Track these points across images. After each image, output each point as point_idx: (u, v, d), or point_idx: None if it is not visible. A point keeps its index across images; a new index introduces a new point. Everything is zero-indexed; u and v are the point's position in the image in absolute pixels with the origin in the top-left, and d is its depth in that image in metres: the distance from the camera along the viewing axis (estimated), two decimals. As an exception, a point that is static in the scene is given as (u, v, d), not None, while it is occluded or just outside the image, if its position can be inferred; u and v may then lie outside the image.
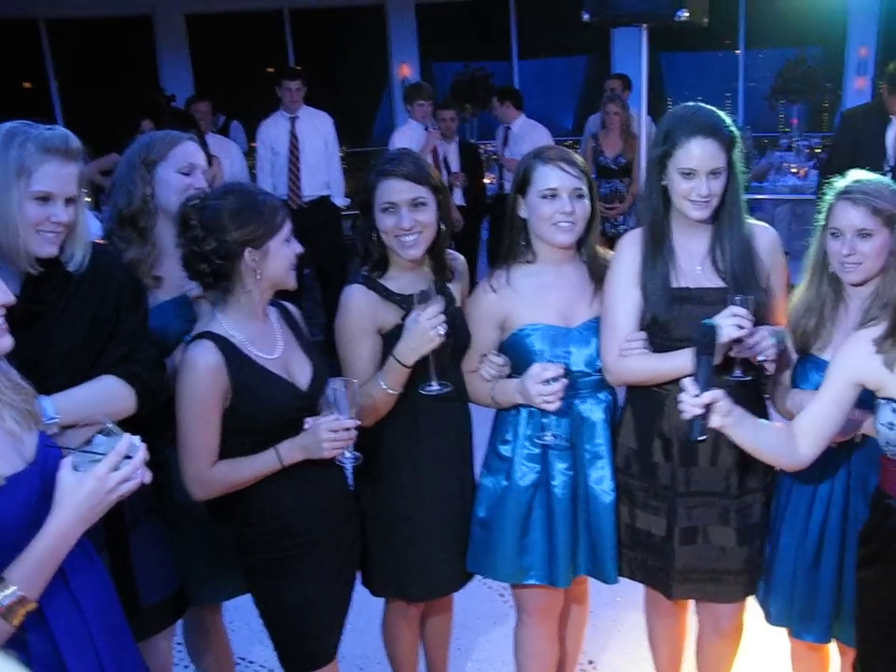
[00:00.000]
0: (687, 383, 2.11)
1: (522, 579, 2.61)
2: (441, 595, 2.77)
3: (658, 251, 2.45)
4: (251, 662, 3.36)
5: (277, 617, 2.37)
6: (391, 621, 2.80)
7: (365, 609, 2.61)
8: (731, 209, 2.41)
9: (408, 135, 6.77)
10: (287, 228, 2.22)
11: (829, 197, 2.38)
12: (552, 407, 2.41)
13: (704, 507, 2.49)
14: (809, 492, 2.44)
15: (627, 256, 2.49)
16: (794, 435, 2.22)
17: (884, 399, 2.09)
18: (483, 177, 7.44)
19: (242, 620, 3.00)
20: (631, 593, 3.42)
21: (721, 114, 2.40)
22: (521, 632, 2.77)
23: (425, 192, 2.42)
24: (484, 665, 3.37)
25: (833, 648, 2.67)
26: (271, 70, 9.69)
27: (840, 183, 2.38)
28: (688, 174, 2.34)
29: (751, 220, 2.50)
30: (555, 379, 2.39)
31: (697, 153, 2.32)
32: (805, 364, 2.45)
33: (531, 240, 2.56)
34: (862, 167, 2.58)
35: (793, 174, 7.77)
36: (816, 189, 6.27)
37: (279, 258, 2.21)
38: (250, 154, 7.45)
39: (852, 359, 2.14)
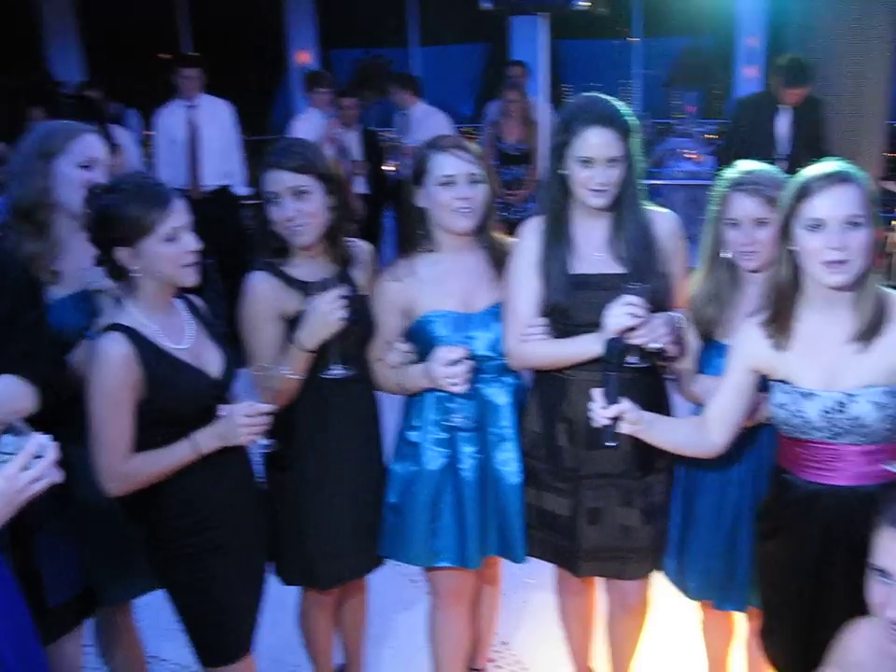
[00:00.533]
0: (596, 394, 2.18)
1: (434, 562, 2.65)
2: (351, 580, 2.79)
3: (558, 238, 2.50)
4: (163, 660, 3.31)
5: (192, 610, 2.35)
6: (306, 610, 2.80)
7: (279, 599, 2.60)
8: (629, 197, 2.47)
9: (307, 123, 6.72)
10: (164, 227, 2.16)
11: (721, 188, 2.47)
12: (458, 389, 2.46)
13: (608, 488, 2.55)
14: (723, 472, 2.52)
15: (528, 243, 2.54)
16: (705, 424, 2.29)
17: (775, 380, 2.18)
18: (385, 165, 7.42)
19: (152, 617, 2.95)
20: (541, 573, 3.48)
21: (620, 104, 2.46)
22: (434, 615, 2.81)
23: (308, 181, 2.45)
24: (399, 650, 3.40)
25: (738, 614, 2.77)
26: (165, 56, 9.47)
27: (731, 174, 2.46)
28: (586, 162, 2.39)
29: (652, 207, 2.56)
30: (459, 361, 2.44)
31: (595, 142, 2.37)
32: (709, 350, 2.53)
33: (431, 229, 2.60)
34: (755, 154, 2.68)
35: (690, 159, 7.97)
36: (713, 175, 6.48)
37: (158, 257, 2.17)
38: (146, 143, 7.28)
39: (745, 347, 2.22)
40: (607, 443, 2.23)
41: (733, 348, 2.27)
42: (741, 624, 2.83)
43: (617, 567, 2.63)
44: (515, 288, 2.53)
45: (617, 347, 2.21)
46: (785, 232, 2.10)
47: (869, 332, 2.05)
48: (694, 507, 2.60)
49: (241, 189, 6.49)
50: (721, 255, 2.48)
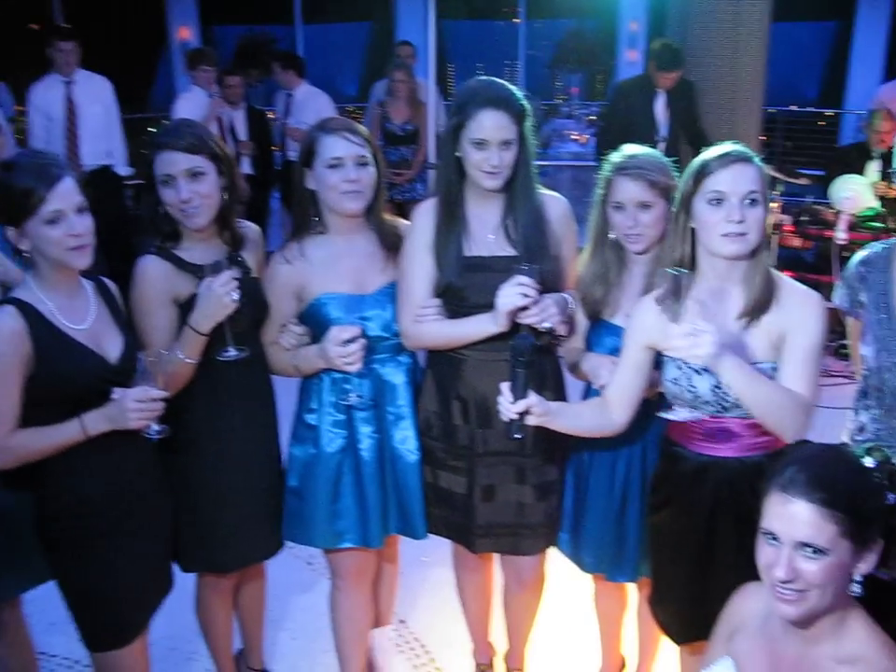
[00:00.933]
0: (504, 389, 2.20)
1: (336, 543, 2.66)
2: (251, 564, 2.77)
3: (452, 220, 2.52)
4: (53, 655, 3.22)
5: (79, 593, 2.31)
6: (204, 595, 2.77)
7: (176, 586, 2.56)
8: (523, 180, 2.51)
9: (191, 103, 6.55)
10: (46, 209, 2.10)
11: (606, 172, 2.53)
12: (353, 368, 2.47)
13: (501, 466, 2.60)
14: (612, 450, 2.59)
15: (422, 225, 2.55)
16: (607, 404, 2.35)
17: (669, 356, 2.25)
18: (272, 145, 7.31)
19: (40, 612, 2.87)
20: (436, 551, 3.52)
21: (514, 87, 2.49)
22: (336, 596, 2.81)
23: (202, 162, 2.41)
24: (298, 633, 3.39)
25: (630, 585, 2.87)
26: (35, 27, 9.06)
27: (615, 158, 2.53)
28: (480, 144, 2.41)
29: (544, 190, 2.61)
30: (353, 340, 2.45)
31: (489, 124, 2.40)
32: (598, 329, 2.60)
33: (321, 211, 2.60)
34: (635, 138, 2.76)
35: (574, 141, 8.11)
36: (595, 156, 6.63)
37: (43, 240, 2.12)
38: (17, 119, 6.98)
39: (641, 324, 2.28)
40: (514, 436, 2.25)
41: (629, 326, 2.33)
42: (633, 595, 2.93)
43: (512, 543, 2.68)
44: (409, 270, 2.55)
45: (526, 344, 2.24)
46: (684, 210, 2.16)
47: (757, 309, 2.13)
48: (586, 482, 2.67)
49: (122, 169, 6.31)
50: (608, 236, 2.55)
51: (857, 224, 5.78)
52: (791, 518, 1.60)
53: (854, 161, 6.45)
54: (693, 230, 2.16)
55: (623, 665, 3.11)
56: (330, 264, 2.57)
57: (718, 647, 1.86)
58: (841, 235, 5.71)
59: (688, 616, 2.35)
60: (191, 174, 2.39)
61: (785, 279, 2.22)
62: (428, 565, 3.68)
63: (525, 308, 2.34)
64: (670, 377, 2.24)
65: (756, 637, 1.77)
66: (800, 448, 1.71)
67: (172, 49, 10.99)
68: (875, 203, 5.99)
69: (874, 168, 6.41)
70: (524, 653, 3.01)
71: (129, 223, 6.17)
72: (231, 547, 2.62)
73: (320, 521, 2.63)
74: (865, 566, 1.61)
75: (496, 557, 2.91)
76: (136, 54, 11.43)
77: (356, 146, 2.52)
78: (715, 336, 1.99)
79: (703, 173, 2.12)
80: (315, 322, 2.58)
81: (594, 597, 2.99)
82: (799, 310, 2.13)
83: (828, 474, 1.61)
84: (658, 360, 2.31)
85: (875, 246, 2.20)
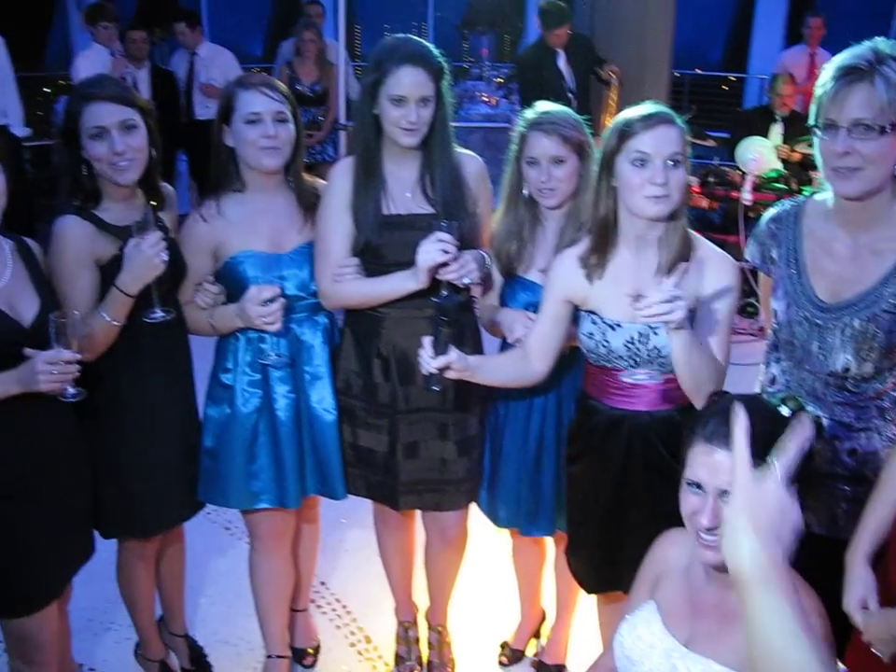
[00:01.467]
0: (426, 343, 2.21)
1: (253, 504, 2.63)
2: (172, 527, 2.73)
3: (369, 179, 2.50)
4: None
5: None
6: (125, 562, 2.72)
7: (95, 557, 2.50)
8: (440, 137, 2.50)
9: (92, 60, 6.33)
10: None
11: (521, 128, 2.55)
12: (273, 328, 2.44)
13: (423, 422, 2.61)
14: (526, 403, 2.63)
15: (339, 184, 2.53)
16: (527, 355, 2.37)
17: (585, 311, 2.28)
18: (178, 104, 7.10)
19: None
20: (356, 513, 3.55)
21: (431, 46, 2.47)
22: (255, 559, 2.79)
23: (133, 115, 2.35)
24: (217, 598, 3.37)
25: (548, 538, 2.91)
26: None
27: (529, 114, 2.55)
28: (398, 101, 2.39)
29: (460, 149, 2.60)
30: (273, 300, 2.42)
31: (407, 81, 2.38)
32: (512, 286, 2.61)
33: (239, 168, 2.55)
34: (549, 97, 2.78)
35: (485, 102, 8.08)
36: (508, 118, 6.66)
37: None
38: None
39: (560, 278, 2.30)
40: (432, 388, 2.28)
41: (549, 279, 2.35)
42: (551, 550, 2.98)
43: (435, 500, 2.70)
44: (327, 229, 2.52)
45: (451, 303, 2.26)
46: (607, 169, 2.18)
47: (670, 268, 2.14)
48: (502, 438, 2.70)
49: (19, 130, 6.05)
50: (522, 193, 2.56)
51: (761, 185, 5.93)
52: (716, 468, 1.64)
53: (758, 123, 6.61)
54: (615, 188, 2.18)
55: (542, 619, 3.17)
56: (248, 222, 2.53)
57: (641, 592, 1.90)
58: (746, 196, 5.86)
59: (600, 566, 2.41)
60: (125, 126, 2.31)
61: (703, 241, 2.25)
62: (347, 526, 3.70)
63: (444, 265, 2.34)
64: (585, 331, 2.28)
65: (678, 584, 1.82)
66: (721, 400, 1.76)
67: (67, 3, 10.55)
68: (779, 165, 6.15)
69: (777, 131, 6.58)
70: (446, 610, 3.04)
71: (27, 186, 5.95)
72: (151, 511, 2.58)
73: (236, 481, 2.61)
74: None
75: (417, 515, 2.92)
76: (29, 9, 10.94)
77: (275, 101, 2.48)
78: (686, 303, 2.01)
79: (626, 133, 2.13)
80: (231, 280, 2.54)
81: (511, 553, 3.04)
82: (715, 275, 2.18)
83: (749, 424, 1.65)
84: (574, 315, 2.34)
85: (785, 204, 2.26)
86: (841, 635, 1.93)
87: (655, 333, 2.17)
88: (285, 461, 2.61)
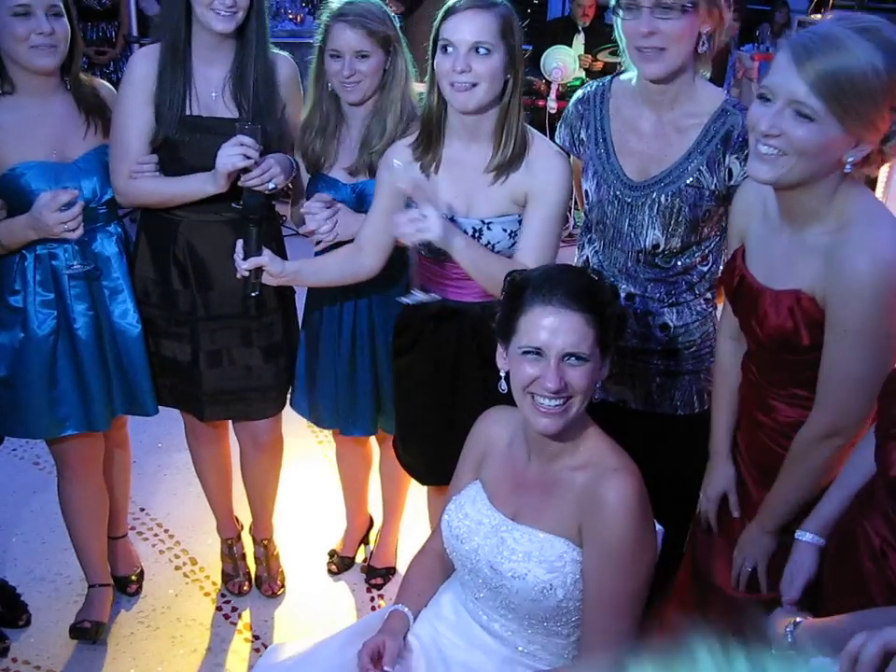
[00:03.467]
0: (237, 246, 2.13)
1: (59, 431, 2.50)
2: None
3: (175, 72, 2.36)
4: None
5: None
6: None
7: None
8: (257, 26, 2.38)
9: None
10: None
11: (325, 18, 2.44)
12: (74, 234, 2.27)
13: (225, 330, 2.54)
14: (337, 307, 2.59)
15: (140, 72, 2.38)
16: (359, 250, 2.32)
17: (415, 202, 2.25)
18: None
19: None
20: (171, 437, 3.48)
21: None
22: (66, 488, 2.66)
23: (59, 2, 2.27)
24: (29, 535, 3.20)
25: (372, 441, 2.94)
26: None
27: (334, 4, 2.44)
28: None
29: (275, 50, 2.49)
30: (72, 203, 2.25)
31: None
32: (316, 183, 2.54)
33: (6, 67, 2.34)
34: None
35: (291, 20, 7.84)
36: (313, 34, 6.45)
37: None
38: None
39: (392, 171, 2.23)
40: (250, 294, 2.22)
41: (381, 171, 2.29)
42: (376, 453, 3.00)
43: (242, 409, 2.65)
44: (125, 122, 2.38)
45: (256, 201, 2.18)
46: (433, 56, 2.10)
47: (504, 166, 2.13)
48: (318, 339, 2.67)
49: None
50: (326, 87, 2.48)
51: (566, 94, 6.03)
52: (556, 330, 1.65)
53: (561, 34, 6.70)
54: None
55: (370, 525, 3.19)
56: (24, 130, 2.34)
57: (466, 473, 1.92)
58: (552, 104, 5.98)
59: (433, 457, 2.41)
60: (52, 10, 2.26)
61: (540, 139, 2.20)
62: (164, 450, 3.60)
63: (246, 170, 2.25)
64: None
65: (502, 462, 1.85)
66: (540, 269, 1.77)
67: None
68: (582, 74, 6.28)
69: (579, 41, 6.70)
70: (270, 523, 3.01)
71: None
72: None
73: (38, 410, 2.46)
74: (604, 372, 1.72)
75: (230, 428, 2.85)
76: None
77: None
78: (438, 218, 2.00)
79: (444, 16, 2.06)
80: (13, 195, 2.35)
81: (336, 458, 3.03)
82: (545, 175, 2.14)
83: (578, 284, 1.68)
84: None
85: (592, 85, 2.27)
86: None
87: (489, 228, 2.16)
88: (89, 383, 2.48)
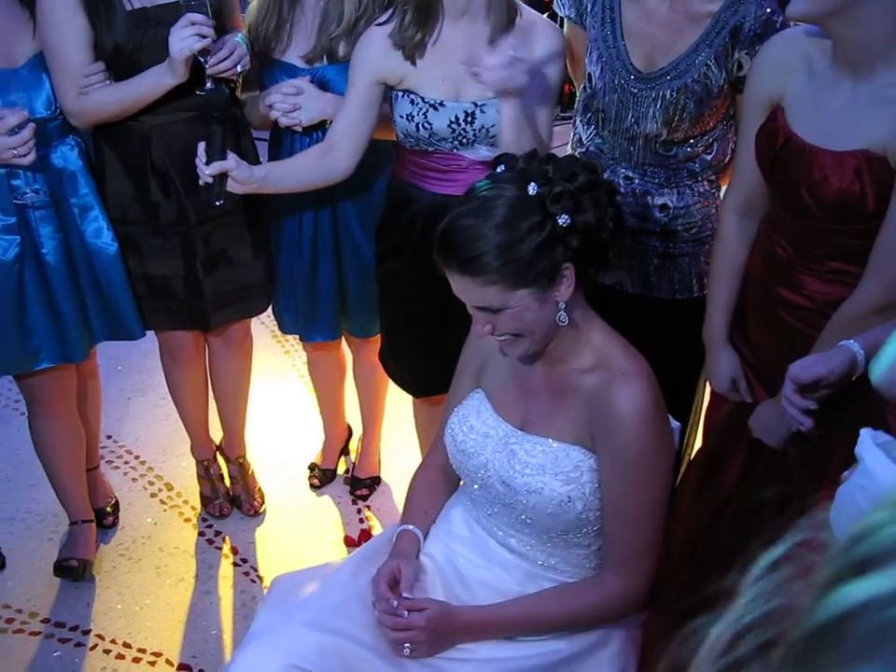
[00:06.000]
0: (199, 149, 1.98)
1: (32, 366, 2.33)
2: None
3: None
4: None
5: None
6: None
7: None
8: None
9: None
10: None
11: None
12: (26, 160, 2.07)
13: (219, 230, 2.41)
14: (298, 201, 2.42)
15: None
16: (330, 150, 2.15)
17: (402, 91, 2.09)
18: None
19: None
20: (129, 358, 3.34)
21: None
22: (39, 425, 2.51)
23: None
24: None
25: (344, 346, 2.82)
26: None
27: None
28: None
29: None
30: (22, 126, 2.04)
31: None
32: (271, 70, 2.35)
33: None
34: None
35: None
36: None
37: None
38: None
39: (372, 57, 2.08)
40: (215, 203, 2.07)
41: (355, 62, 2.12)
42: (349, 360, 2.87)
43: (243, 308, 2.57)
44: (58, 35, 2.13)
45: (221, 97, 2.03)
46: None
47: (497, 37, 1.98)
48: (279, 245, 2.54)
49: None
50: None
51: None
52: (459, 290, 1.54)
53: None
54: None
55: (349, 434, 3.10)
56: None
57: (465, 382, 1.80)
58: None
59: (424, 368, 2.31)
60: None
61: (525, 7, 2.08)
62: (124, 373, 3.45)
63: (205, 52, 2.06)
64: (403, 113, 2.09)
65: (504, 368, 1.71)
66: (454, 209, 1.53)
67: None
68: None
69: None
70: (243, 439, 2.90)
71: None
72: None
73: (7, 343, 2.28)
74: (564, 292, 1.53)
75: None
76: None
77: None
78: (526, 66, 1.85)
79: None
80: None
81: (308, 366, 2.91)
82: (543, 40, 2.03)
83: (467, 238, 1.48)
84: (388, 95, 2.14)
85: None
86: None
87: (483, 111, 2.03)
88: (63, 311, 2.31)
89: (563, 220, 1.46)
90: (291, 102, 2.24)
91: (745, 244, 1.88)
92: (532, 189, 1.47)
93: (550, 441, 1.61)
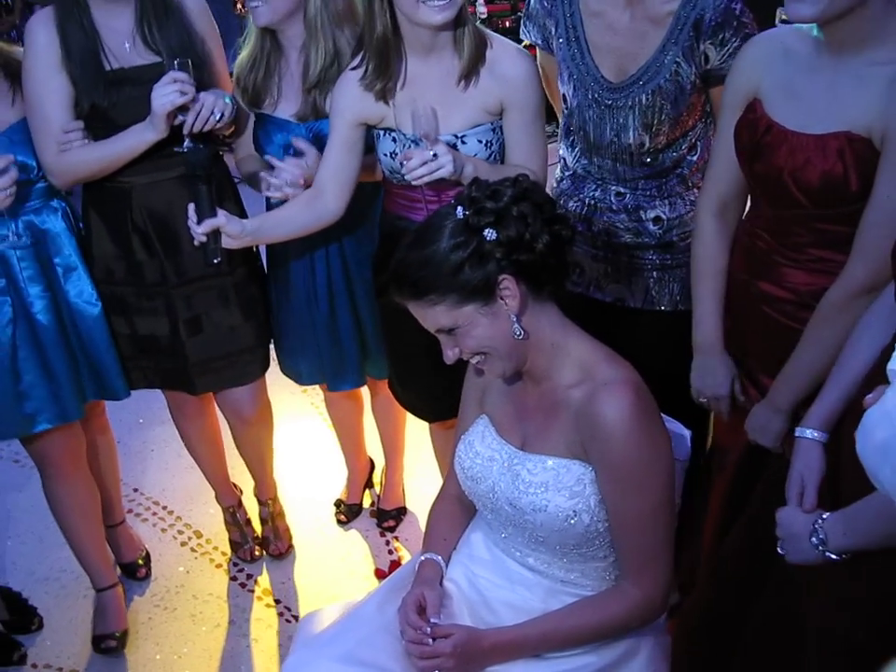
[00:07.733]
0: (189, 210, 2.01)
1: (31, 428, 2.34)
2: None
3: (79, 31, 2.17)
4: None
5: None
6: None
7: None
8: None
9: None
10: None
11: None
12: (5, 203, 2.09)
13: (201, 293, 2.40)
14: (306, 258, 2.46)
15: (41, 39, 2.18)
16: (320, 195, 2.18)
17: (383, 129, 2.12)
18: None
19: None
20: (151, 410, 3.36)
21: None
22: (51, 487, 2.52)
23: None
24: (25, 536, 3.06)
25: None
26: None
27: None
28: None
29: None
30: (5, 170, 2.07)
31: None
32: (265, 127, 2.39)
33: None
34: None
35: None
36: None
37: None
38: None
39: (348, 100, 2.11)
40: (212, 261, 2.09)
41: (335, 106, 2.16)
42: (366, 396, 2.90)
43: (232, 375, 2.53)
44: (40, 94, 2.18)
45: (201, 155, 2.04)
46: None
47: (472, 68, 2.03)
48: (288, 295, 2.54)
49: None
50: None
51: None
52: (416, 316, 1.61)
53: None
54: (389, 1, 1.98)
55: (371, 467, 3.11)
56: None
57: (470, 409, 1.82)
58: (481, 10, 5.82)
59: (434, 396, 2.33)
60: None
61: (495, 38, 2.10)
62: (146, 426, 3.48)
63: (184, 109, 2.11)
64: (386, 151, 2.13)
65: (502, 392, 1.74)
66: (401, 247, 1.63)
67: None
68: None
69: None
70: (271, 482, 2.91)
71: None
72: None
73: (5, 408, 2.29)
74: (511, 305, 1.55)
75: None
76: None
77: None
78: (449, 152, 1.92)
79: None
80: None
81: (326, 404, 2.94)
82: (514, 77, 2.04)
83: (408, 266, 1.58)
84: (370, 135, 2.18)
85: None
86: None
87: (463, 142, 2.07)
88: (56, 370, 2.32)
89: (488, 235, 1.51)
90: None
91: (724, 246, 1.89)
92: (459, 211, 1.54)
93: (548, 457, 1.63)
